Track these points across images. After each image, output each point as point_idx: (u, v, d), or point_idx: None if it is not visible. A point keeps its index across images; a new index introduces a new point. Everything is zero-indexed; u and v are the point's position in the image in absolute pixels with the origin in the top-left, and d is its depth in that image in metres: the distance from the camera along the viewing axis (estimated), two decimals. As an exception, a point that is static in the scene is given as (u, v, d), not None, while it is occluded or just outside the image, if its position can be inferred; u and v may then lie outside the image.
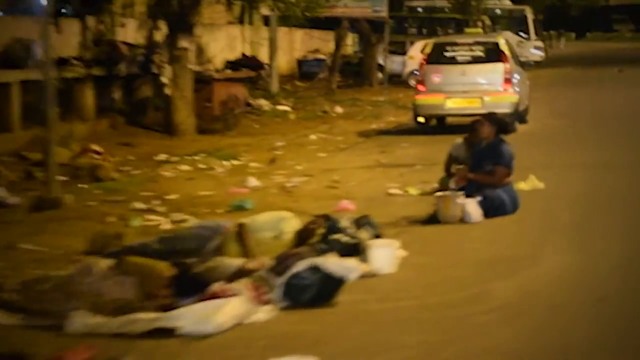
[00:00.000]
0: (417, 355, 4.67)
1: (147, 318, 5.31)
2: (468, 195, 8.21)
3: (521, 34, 38.47)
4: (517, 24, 39.75)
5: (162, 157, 13.40)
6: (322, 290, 5.68)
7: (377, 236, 6.95)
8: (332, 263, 5.83)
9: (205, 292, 5.50)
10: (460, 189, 8.35)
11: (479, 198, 8.20)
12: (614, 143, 13.36)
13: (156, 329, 5.17)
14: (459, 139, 9.88)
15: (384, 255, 6.42)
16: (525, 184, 9.53)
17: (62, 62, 16.49)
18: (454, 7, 36.81)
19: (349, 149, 14.34)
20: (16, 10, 18.61)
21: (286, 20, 20.63)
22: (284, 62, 29.43)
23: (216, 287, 5.53)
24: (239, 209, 8.86)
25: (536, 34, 40.48)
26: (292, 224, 6.82)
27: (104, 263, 5.79)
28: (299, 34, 31.61)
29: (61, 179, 10.03)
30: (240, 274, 5.77)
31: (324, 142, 15.22)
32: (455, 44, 16.07)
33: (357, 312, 5.49)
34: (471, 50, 15.82)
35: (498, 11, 40.72)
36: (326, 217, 6.84)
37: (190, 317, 5.23)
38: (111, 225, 8.39)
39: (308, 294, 5.66)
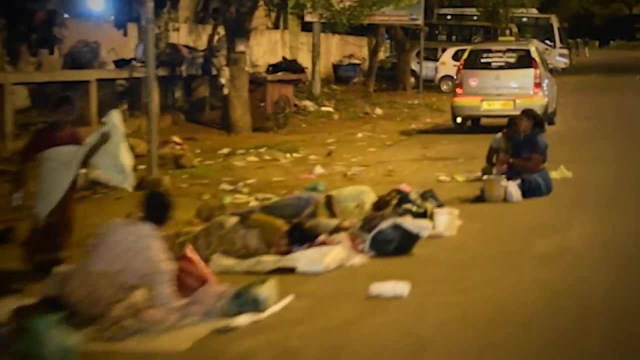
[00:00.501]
0: (483, 282, 6.35)
1: (270, 260, 7.01)
2: (509, 179, 9.87)
3: (547, 41, 39.93)
4: (543, 32, 41.26)
5: (225, 150, 15.03)
6: (401, 244, 7.35)
7: (440, 206, 8.62)
8: (409, 222, 7.52)
9: (314, 241, 7.19)
10: (502, 174, 10.01)
11: (518, 181, 9.85)
12: (633, 142, 14.93)
13: (279, 268, 6.86)
14: (498, 134, 11.50)
15: (447, 220, 8.10)
16: (556, 173, 11.13)
17: (126, 63, 18.36)
18: (482, 15, 38.31)
19: (395, 145, 15.97)
20: (79, 13, 20.47)
21: (330, 27, 22.28)
22: (321, 66, 31.08)
23: (322, 237, 7.22)
24: (313, 190, 10.51)
25: (561, 41, 41.91)
26: (370, 196, 8.51)
27: (232, 219, 7.49)
28: (334, 40, 33.27)
29: (144, 167, 11.68)
30: (338, 229, 7.46)
31: (370, 139, 16.86)
32: (490, 51, 17.73)
33: (431, 259, 7.16)
34: (504, 56, 17.46)
35: (525, 19, 42.19)
36: (398, 191, 8.51)
37: (305, 259, 6.91)
38: (208, 201, 10.07)
39: (391, 246, 7.32)
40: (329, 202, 8.16)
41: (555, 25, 41.53)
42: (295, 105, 20.81)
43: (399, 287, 6.11)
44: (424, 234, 7.47)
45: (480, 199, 9.79)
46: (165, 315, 5.28)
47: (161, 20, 21.02)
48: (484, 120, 18.20)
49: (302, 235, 7.27)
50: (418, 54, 30.22)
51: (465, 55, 17.97)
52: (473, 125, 18.12)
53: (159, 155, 13.17)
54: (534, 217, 8.86)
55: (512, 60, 17.41)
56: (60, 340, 4.69)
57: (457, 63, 29.44)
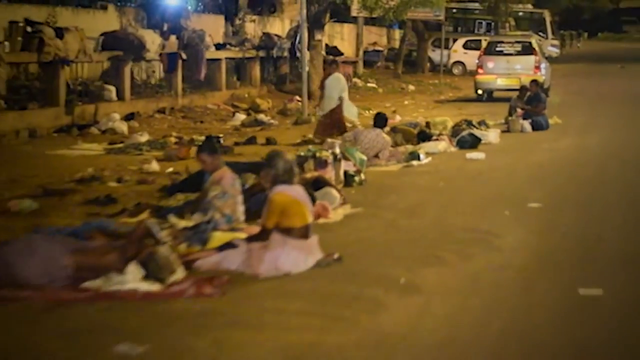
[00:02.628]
0: (515, 154, 13.83)
1: (414, 147, 14.48)
2: (524, 119, 17.39)
3: (540, 33, 47.46)
4: (536, 25, 48.83)
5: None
6: (473, 143, 14.77)
7: (488, 128, 16.16)
8: (476, 132, 15.03)
9: (431, 139, 14.67)
10: (519, 117, 17.53)
11: (529, 120, 17.36)
12: (605, 107, 22.49)
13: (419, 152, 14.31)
14: (514, 96, 18.98)
15: (495, 135, 15.59)
16: (552, 120, 18.61)
17: (221, 46, 25.53)
18: (484, 10, 45.79)
19: (436, 108, 23.42)
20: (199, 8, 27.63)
21: (373, 21, 29.68)
22: (350, 52, 38.46)
23: (435, 138, 14.69)
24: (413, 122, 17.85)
25: (553, 33, 49.55)
26: (449, 123, 16.02)
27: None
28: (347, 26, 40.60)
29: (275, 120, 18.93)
30: (440, 134, 14.94)
31: (415, 105, 24.28)
32: (502, 42, 25.29)
33: (490, 149, 14.63)
34: (513, 46, 24.99)
35: (521, 14, 49.72)
36: (465, 120, 16.02)
37: (429, 147, 14.36)
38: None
39: (467, 144, 14.76)
40: (428, 123, 15.66)
41: (548, 19, 49.08)
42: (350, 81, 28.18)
43: (480, 155, 13.61)
44: (484, 139, 14.94)
45: (506, 131, 17.23)
46: (390, 159, 12.67)
47: (242, 14, 28.53)
48: (495, 94, 25.65)
49: (425, 136, 14.67)
50: (433, 43, 37.84)
51: (484, 45, 25.51)
52: (488, 96, 25.60)
53: (288, 108, 20.65)
54: (539, 138, 16.34)
55: (518, 49, 24.93)
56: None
57: (467, 51, 37.23)
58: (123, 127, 16.85)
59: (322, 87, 16.87)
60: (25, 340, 5.46)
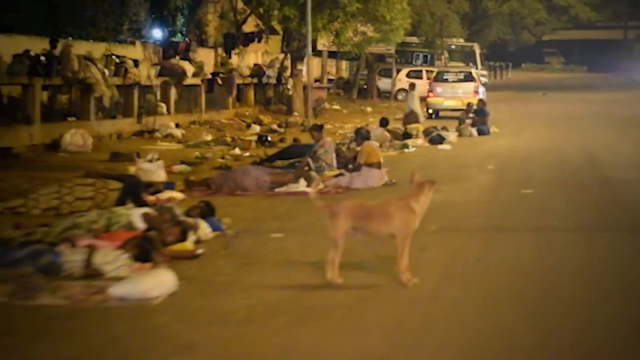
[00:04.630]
0: (472, 149, 21.41)
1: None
2: (472, 127, 25.06)
3: (470, 64, 55.76)
4: (467, 57, 57.07)
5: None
6: (440, 140, 22.33)
7: (448, 132, 23.79)
8: (442, 133, 22.63)
9: (410, 138, 22.21)
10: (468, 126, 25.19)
11: (475, 128, 25.04)
12: (531, 122, 30.38)
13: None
14: (461, 112, 26.66)
15: (453, 136, 23.18)
16: (491, 129, 26.31)
17: (215, 75, 32.76)
18: (421, 43, 53.89)
19: (397, 123, 30.95)
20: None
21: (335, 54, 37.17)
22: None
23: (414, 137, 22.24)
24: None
25: (482, 64, 57.94)
26: (421, 128, 23.59)
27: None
28: (315, 61, 48.22)
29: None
30: (417, 135, 22.48)
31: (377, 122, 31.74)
32: (448, 72, 33.11)
33: (451, 146, 22.18)
34: (457, 75, 32.83)
35: (453, 47, 57.98)
36: (433, 127, 23.59)
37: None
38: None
39: (436, 141, 22.29)
40: (406, 129, 23.17)
41: (477, 51, 57.36)
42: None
43: (447, 146, 21.16)
44: (447, 138, 22.48)
45: (459, 136, 24.78)
46: (389, 148, 20.13)
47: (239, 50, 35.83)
48: (442, 113, 33.35)
49: (407, 136, 22.09)
50: (379, 72, 45.69)
51: (434, 74, 33.31)
52: (436, 115, 33.30)
53: (289, 121, 27.96)
54: (484, 139, 23.89)
55: (461, 77, 32.76)
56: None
57: (409, 79, 45.16)
58: (177, 132, 23.91)
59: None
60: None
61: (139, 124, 23.69)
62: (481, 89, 32.85)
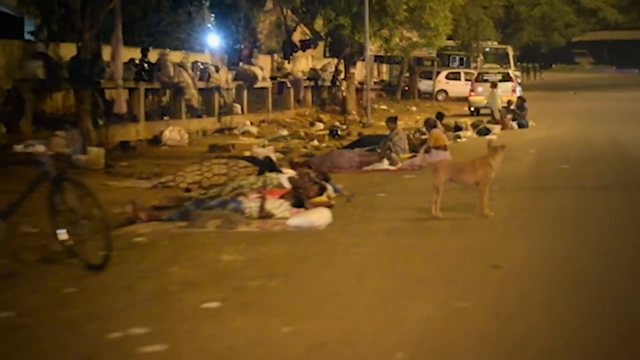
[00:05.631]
0: (516, 139, 25.03)
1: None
2: (512, 121, 28.69)
3: (504, 66, 59.27)
4: (501, 59, 60.55)
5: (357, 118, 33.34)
6: (486, 132, 25.98)
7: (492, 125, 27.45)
8: (488, 126, 26.29)
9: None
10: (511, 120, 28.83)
11: (516, 122, 28.66)
12: (563, 117, 33.93)
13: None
14: (504, 109, 30.28)
15: (497, 129, 26.83)
16: (529, 122, 29.93)
17: (274, 79, 36.56)
18: (457, 46, 57.44)
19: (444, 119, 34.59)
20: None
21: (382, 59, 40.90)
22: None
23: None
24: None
25: (515, 65, 61.40)
26: (469, 122, 27.24)
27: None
28: (360, 64, 51.95)
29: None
30: (464, 129, 26.15)
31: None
32: (487, 73, 36.72)
33: (497, 136, 25.84)
34: (496, 75, 36.44)
35: (488, 49, 61.46)
36: (480, 121, 27.25)
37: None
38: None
39: (483, 132, 25.94)
40: (456, 122, 26.85)
41: (511, 53, 60.75)
42: (369, 104, 39.31)
43: (493, 137, 24.80)
44: (492, 130, 26.11)
45: (502, 129, 28.40)
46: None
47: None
48: (482, 110, 36.96)
49: (458, 128, 25.73)
50: (420, 75, 49.33)
51: (475, 75, 36.94)
52: (477, 112, 36.93)
53: (348, 119, 31.69)
54: (523, 131, 27.50)
55: (499, 77, 36.37)
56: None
57: (448, 81, 48.81)
58: (253, 130, 27.67)
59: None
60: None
61: (219, 123, 27.44)
62: (518, 88, 36.39)
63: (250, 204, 11.66)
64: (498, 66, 43.98)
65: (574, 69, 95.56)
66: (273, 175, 13.21)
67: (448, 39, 58.47)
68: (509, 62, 59.97)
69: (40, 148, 8.75)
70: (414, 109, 41.22)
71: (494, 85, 32.68)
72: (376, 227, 10.81)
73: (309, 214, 11.16)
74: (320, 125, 29.74)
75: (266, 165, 14.44)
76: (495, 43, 61.44)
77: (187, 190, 13.83)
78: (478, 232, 10.37)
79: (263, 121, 30.59)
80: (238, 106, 28.97)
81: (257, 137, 25.98)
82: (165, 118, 25.09)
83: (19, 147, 8.92)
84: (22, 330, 6.62)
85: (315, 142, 23.13)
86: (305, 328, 6.50)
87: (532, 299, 7.25)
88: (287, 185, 12.84)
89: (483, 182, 11.24)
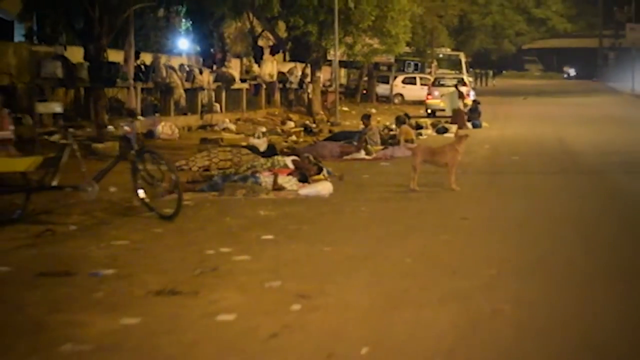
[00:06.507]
0: (470, 138, 28.62)
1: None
2: (467, 122, 32.25)
3: (456, 72, 63.05)
4: (454, 65, 64.38)
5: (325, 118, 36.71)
6: (444, 131, 29.49)
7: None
8: (446, 125, 29.82)
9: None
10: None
11: (470, 123, 32.23)
12: (514, 120, 37.58)
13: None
14: (458, 109, 33.85)
15: (454, 128, 30.39)
16: (482, 124, 33.52)
17: (244, 81, 39.81)
18: (414, 53, 61.10)
19: (403, 121, 38.06)
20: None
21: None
22: (315, 86, 52.96)
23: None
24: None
25: (467, 72, 65.22)
26: (428, 122, 30.74)
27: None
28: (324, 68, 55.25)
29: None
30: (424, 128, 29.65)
31: (387, 119, 38.92)
32: (444, 77, 40.32)
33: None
34: (451, 80, 40.03)
35: (441, 56, 65.24)
36: (438, 121, 30.76)
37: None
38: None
39: (441, 131, 29.46)
40: (417, 122, 30.33)
41: (463, 60, 64.58)
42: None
43: (450, 135, 28.30)
44: (449, 129, 29.62)
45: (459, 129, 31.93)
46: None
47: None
48: (438, 113, 40.51)
49: (419, 127, 29.23)
50: (377, 79, 52.87)
51: (432, 79, 40.52)
52: (433, 114, 40.48)
53: (317, 119, 35.07)
54: (477, 131, 30.95)
55: (455, 82, 39.95)
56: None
57: (404, 85, 52.42)
58: (232, 127, 30.88)
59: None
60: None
61: (202, 120, 30.61)
62: (472, 92, 40.02)
63: (266, 179, 14.90)
64: (452, 72, 47.62)
65: (523, 76, 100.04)
66: (279, 157, 16.48)
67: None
68: (461, 68, 63.86)
69: (127, 129, 11.92)
70: (373, 110, 44.54)
71: (456, 86, 36.22)
72: (369, 196, 14.15)
73: (315, 185, 14.47)
74: (292, 124, 32.99)
75: (271, 151, 17.71)
76: (449, 50, 65.20)
77: (206, 169, 17.02)
78: (448, 199, 13.77)
79: (238, 119, 33.79)
80: (217, 105, 32.12)
81: (237, 133, 29.13)
82: (157, 115, 28.16)
83: (110, 128, 12.09)
84: (141, 251, 9.79)
85: (294, 137, 26.39)
86: (339, 249, 9.78)
87: (490, 236, 10.62)
88: (291, 166, 16.10)
89: (451, 163, 14.62)
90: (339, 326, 6.79)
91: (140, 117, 13.68)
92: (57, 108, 12.06)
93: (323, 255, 9.45)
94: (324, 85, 43.70)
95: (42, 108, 12.18)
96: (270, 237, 10.50)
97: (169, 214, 11.67)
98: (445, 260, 9.18)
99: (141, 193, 12.02)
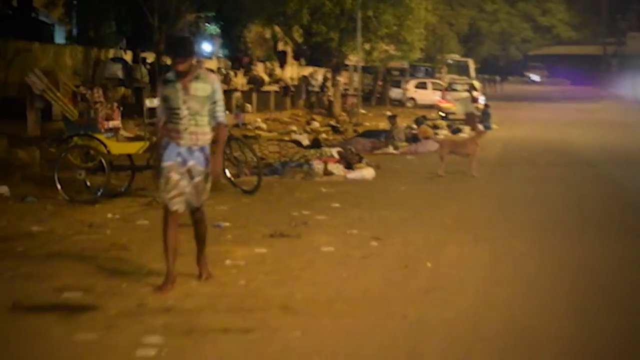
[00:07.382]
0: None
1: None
2: (479, 123, 35.50)
3: (465, 77, 66.28)
4: (462, 70, 67.66)
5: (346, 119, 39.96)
6: (458, 132, 32.72)
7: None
8: (459, 126, 33.04)
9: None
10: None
11: (482, 124, 35.47)
12: (520, 122, 40.78)
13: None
14: (471, 113, 37.08)
15: (467, 129, 33.62)
16: (492, 125, 36.74)
17: (269, 84, 43.07)
18: (424, 59, 64.33)
19: (418, 122, 41.31)
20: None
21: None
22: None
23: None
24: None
25: (476, 76, 68.47)
26: (444, 124, 33.97)
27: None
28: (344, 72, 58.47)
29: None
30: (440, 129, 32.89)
31: (403, 121, 42.10)
32: (456, 82, 43.56)
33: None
34: (463, 85, 43.28)
35: (450, 62, 68.52)
36: (453, 123, 33.99)
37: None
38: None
39: (456, 132, 32.70)
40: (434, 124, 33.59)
41: (471, 66, 67.92)
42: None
43: (465, 135, 31.56)
44: (462, 130, 32.87)
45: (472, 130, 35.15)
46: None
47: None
48: (450, 116, 43.69)
49: (436, 128, 32.47)
50: (390, 84, 56.12)
51: (446, 84, 43.76)
52: (447, 116, 43.68)
53: (340, 120, 38.31)
54: (488, 133, 34.27)
55: (466, 87, 43.19)
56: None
57: (417, 89, 55.68)
58: (263, 125, 34.11)
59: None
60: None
61: (235, 119, 33.80)
62: (482, 97, 43.25)
63: (317, 165, 18.10)
64: (462, 77, 51.11)
65: (528, 82, 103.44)
66: (326, 148, 19.71)
67: (415, 50, 65.66)
68: (469, 74, 67.09)
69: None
70: (388, 113, 47.74)
71: (469, 91, 39.40)
72: (404, 180, 17.40)
73: (360, 170, 17.71)
74: (316, 124, 36.20)
75: (316, 144, 20.95)
76: (458, 56, 68.43)
77: (262, 158, 20.25)
78: (470, 182, 17.01)
79: (267, 119, 37.01)
80: (249, 106, 35.35)
81: (269, 132, 32.33)
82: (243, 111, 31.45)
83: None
84: (242, 212, 13.00)
85: (324, 135, 29.61)
86: (393, 212, 13.00)
87: (505, 206, 13.85)
88: (336, 155, 19.32)
89: (472, 154, 17.85)
90: (408, 253, 10.00)
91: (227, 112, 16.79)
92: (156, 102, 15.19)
93: (383, 216, 12.66)
94: (344, 89, 46.88)
95: (148, 103, 15.33)
96: (337, 205, 13.71)
97: (250, 190, 14.86)
98: (474, 220, 12.40)
99: (227, 173, 15.22)
